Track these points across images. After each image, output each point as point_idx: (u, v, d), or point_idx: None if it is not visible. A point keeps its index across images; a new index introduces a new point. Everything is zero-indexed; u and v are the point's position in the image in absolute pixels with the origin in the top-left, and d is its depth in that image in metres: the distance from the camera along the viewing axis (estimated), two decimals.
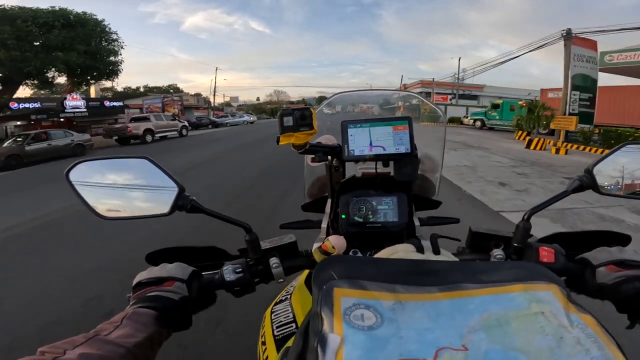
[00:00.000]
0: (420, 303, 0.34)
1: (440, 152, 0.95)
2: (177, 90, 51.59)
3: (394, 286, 0.36)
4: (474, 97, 35.85)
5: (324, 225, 0.78)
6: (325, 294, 0.34)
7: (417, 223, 0.76)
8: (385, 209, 0.75)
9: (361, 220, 0.75)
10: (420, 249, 0.48)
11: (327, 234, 0.78)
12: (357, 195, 0.76)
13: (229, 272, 0.56)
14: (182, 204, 0.54)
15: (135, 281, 0.51)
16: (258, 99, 73.90)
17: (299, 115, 0.60)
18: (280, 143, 0.62)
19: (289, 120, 0.61)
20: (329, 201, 0.82)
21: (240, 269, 0.56)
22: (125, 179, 0.55)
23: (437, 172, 0.95)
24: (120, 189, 0.55)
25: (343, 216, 0.75)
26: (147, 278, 0.51)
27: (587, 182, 0.57)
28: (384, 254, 0.50)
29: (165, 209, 0.54)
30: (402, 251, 0.49)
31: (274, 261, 0.58)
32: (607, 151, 0.62)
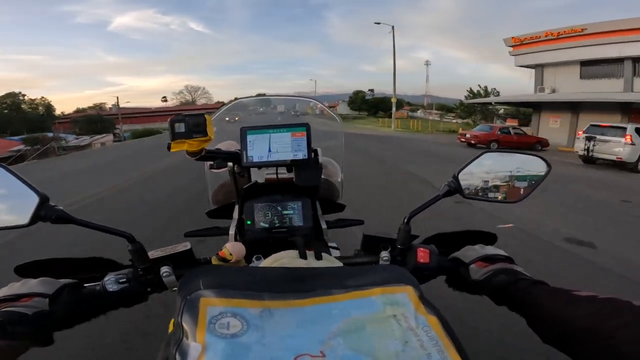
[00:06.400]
0: (288, 310, 0.35)
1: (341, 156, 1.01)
2: None
3: (263, 294, 0.36)
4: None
5: (231, 232, 0.77)
6: (189, 304, 0.34)
7: (324, 226, 0.79)
8: (291, 214, 0.77)
9: (267, 225, 0.75)
10: (303, 255, 0.50)
11: (236, 241, 0.77)
12: (261, 201, 0.76)
13: (111, 282, 0.52)
14: (45, 214, 0.49)
15: None
16: (164, 98, 52.00)
17: (192, 122, 0.59)
18: (171, 150, 0.60)
19: (180, 127, 0.58)
20: (237, 207, 0.81)
21: (125, 279, 0.52)
22: None
23: (339, 176, 1.00)
24: None
25: (248, 222, 0.75)
26: (5, 295, 0.46)
27: (453, 187, 0.62)
28: (269, 261, 0.51)
29: (25, 219, 0.49)
30: (286, 257, 0.51)
31: (164, 270, 0.56)
32: None
